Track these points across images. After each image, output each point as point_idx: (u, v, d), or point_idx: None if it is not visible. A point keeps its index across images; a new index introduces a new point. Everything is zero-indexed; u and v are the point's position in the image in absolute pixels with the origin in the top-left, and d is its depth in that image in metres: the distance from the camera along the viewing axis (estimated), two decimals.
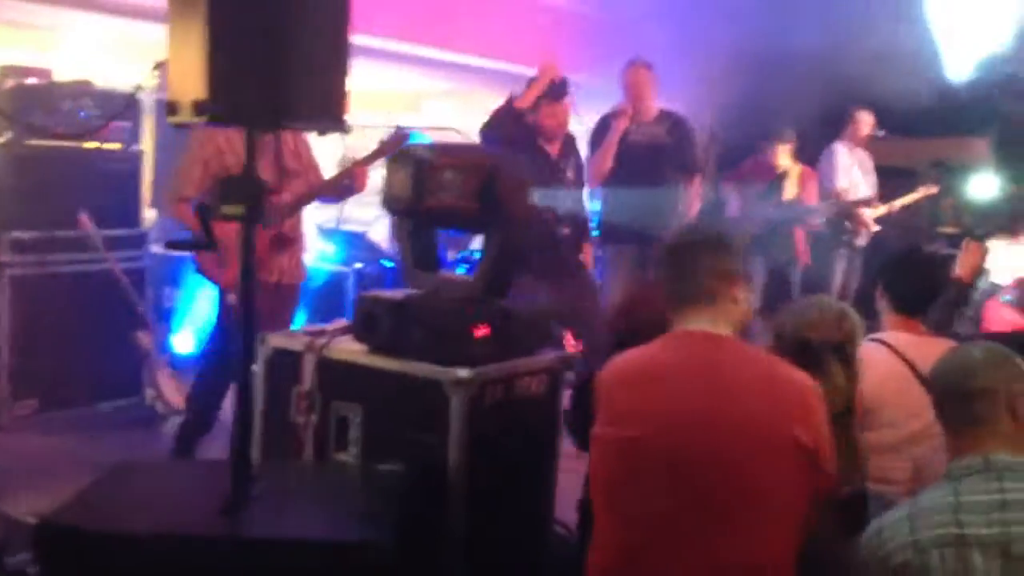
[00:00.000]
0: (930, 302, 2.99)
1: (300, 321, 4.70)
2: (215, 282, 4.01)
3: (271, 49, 2.17)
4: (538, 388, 2.92)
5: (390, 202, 2.88)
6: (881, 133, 7.16)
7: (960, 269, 3.24)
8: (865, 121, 6.99)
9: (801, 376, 2.13)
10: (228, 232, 2.63)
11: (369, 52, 7.19)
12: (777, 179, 6.64)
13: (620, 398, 2.19)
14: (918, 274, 2.99)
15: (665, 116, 5.78)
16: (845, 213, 6.85)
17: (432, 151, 2.89)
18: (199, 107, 2.13)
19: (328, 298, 6.05)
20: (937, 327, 3.07)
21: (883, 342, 2.89)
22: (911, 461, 2.62)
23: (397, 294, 2.91)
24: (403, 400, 2.77)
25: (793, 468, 2.02)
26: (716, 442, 2.03)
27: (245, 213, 2.31)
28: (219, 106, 2.12)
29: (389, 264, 6.35)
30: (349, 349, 2.90)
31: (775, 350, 2.40)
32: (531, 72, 5.12)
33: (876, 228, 6.99)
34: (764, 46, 6.70)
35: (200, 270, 4.03)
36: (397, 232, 3.04)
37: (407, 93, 10.06)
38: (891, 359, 2.85)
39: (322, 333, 3.01)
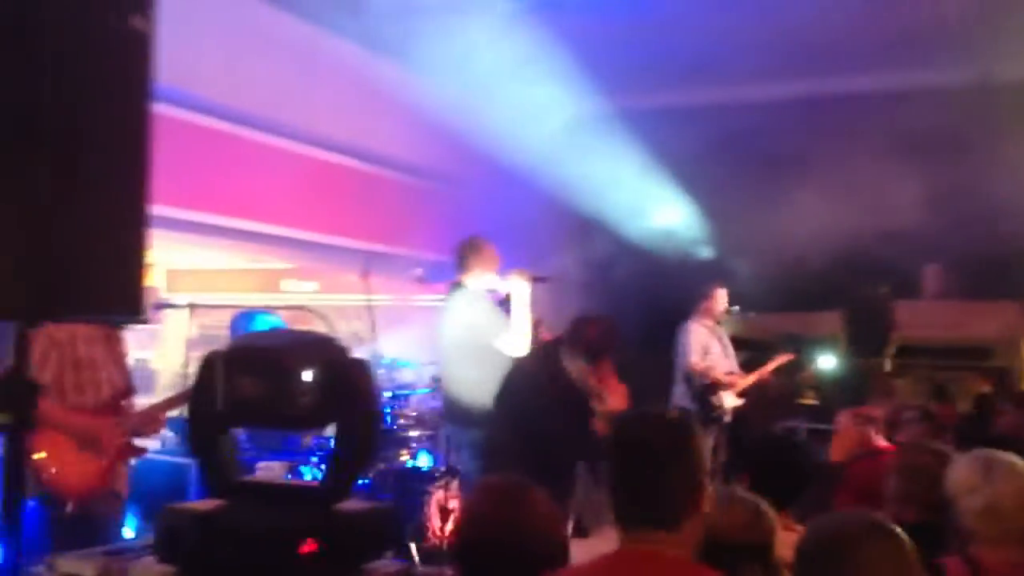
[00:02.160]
0: (799, 492, 2.77)
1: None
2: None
3: (32, 236, 1.83)
4: None
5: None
6: (735, 309, 7.24)
7: (835, 453, 3.06)
8: (720, 297, 7.06)
9: None
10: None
11: (211, 229, 6.92)
12: None
13: None
14: (785, 466, 2.78)
15: None
16: (711, 390, 6.79)
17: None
18: None
19: (169, 495, 5.47)
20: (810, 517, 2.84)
21: None
22: None
23: (206, 504, 2.48)
24: None
25: None
26: None
27: (13, 421, 1.91)
28: None
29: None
30: (150, 574, 2.43)
31: None
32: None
33: (740, 402, 6.94)
34: None
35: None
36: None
37: (264, 271, 9.75)
38: None
39: (123, 554, 2.53)
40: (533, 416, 4.89)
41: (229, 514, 2.42)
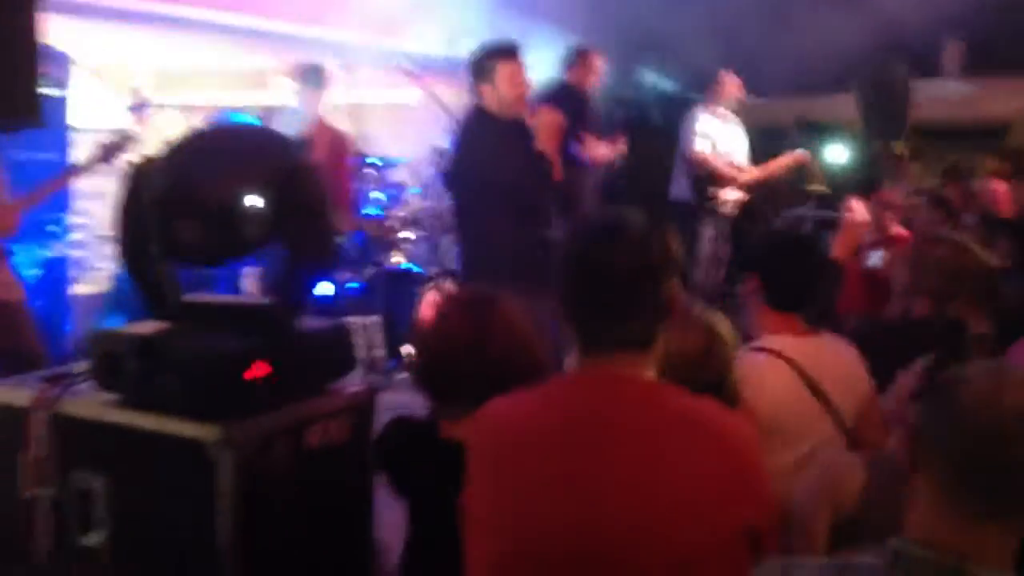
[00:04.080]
0: (812, 295, 2.51)
1: None
2: None
3: None
4: (340, 432, 2.33)
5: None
6: (747, 96, 6.81)
7: (838, 249, 2.80)
8: (730, 83, 6.61)
9: (741, 427, 1.60)
10: None
11: (192, 24, 6.48)
12: None
13: (492, 477, 1.61)
14: (798, 266, 2.50)
15: None
16: (710, 181, 6.48)
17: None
18: None
19: None
20: (818, 319, 2.61)
21: (768, 350, 2.42)
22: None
23: (145, 327, 2.26)
24: (160, 467, 2.14)
25: (743, 561, 1.49)
26: (637, 556, 1.46)
27: None
28: None
29: None
30: (91, 403, 2.24)
31: None
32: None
33: (741, 195, 6.65)
34: None
35: None
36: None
37: (253, 72, 9.27)
38: (781, 369, 2.39)
39: (60, 380, 2.34)
40: None
41: (172, 337, 2.20)
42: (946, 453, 1.30)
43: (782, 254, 2.50)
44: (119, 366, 2.18)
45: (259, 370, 2.14)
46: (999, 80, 9.88)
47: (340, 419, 2.32)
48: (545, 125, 3.82)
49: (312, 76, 5.36)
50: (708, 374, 1.90)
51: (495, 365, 1.97)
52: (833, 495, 1.98)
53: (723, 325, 1.98)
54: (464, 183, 3.96)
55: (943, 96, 9.48)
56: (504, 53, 3.88)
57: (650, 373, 1.59)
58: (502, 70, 3.85)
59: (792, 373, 2.39)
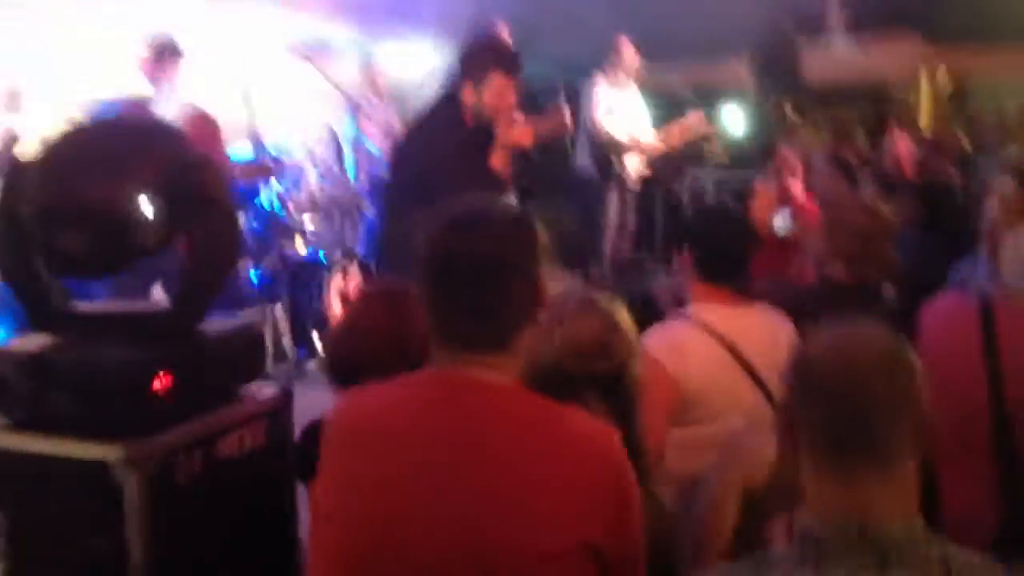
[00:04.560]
0: (743, 266, 2.49)
1: None
2: None
3: None
4: (256, 439, 2.20)
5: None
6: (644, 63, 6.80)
7: (757, 212, 2.79)
8: (627, 50, 6.58)
9: (599, 445, 1.48)
10: None
11: None
12: None
13: (340, 469, 1.53)
14: (729, 238, 2.48)
15: None
16: (611, 151, 6.46)
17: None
18: None
19: None
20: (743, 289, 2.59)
21: (696, 321, 2.39)
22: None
23: (30, 342, 2.08)
24: (62, 493, 1.99)
25: None
26: (466, 559, 1.39)
27: None
28: None
29: None
30: None
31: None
32: None
33: (643, 165, 6.66)
34: None
35: None
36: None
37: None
38: (708, 340, 2.36)
39: None
40: None
41: (62, 352, 2.04)
42: (811, 420, 1.30)
43: (713, 227, 2.49)
44: (6, 387, 2.01)
45: (162, 381, 2.00)
46: (877, 39, 10.15)
47: (255, 426, 2.19)
48: (508, 142, 3.55)
49: (168, 50, 4.77)
50: (607, 364, 1.82)
51: (415, 360, 1.87)
52: (742, 469, 1.95)
53: (622, 313, 1.90)
54: (405, 165, 3.71)
55: (829, 56, 9.70)
56: (504, 64, 3.53)
57: (505, 376, 1.48)
58: (495, 80, 3.48)
59: (717, 345, 2.36)
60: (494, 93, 3.48)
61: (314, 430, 2.09)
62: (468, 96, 3.51)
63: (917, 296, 2.89)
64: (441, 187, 3.26)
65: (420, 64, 7.13)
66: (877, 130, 10.24)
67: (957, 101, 11.30)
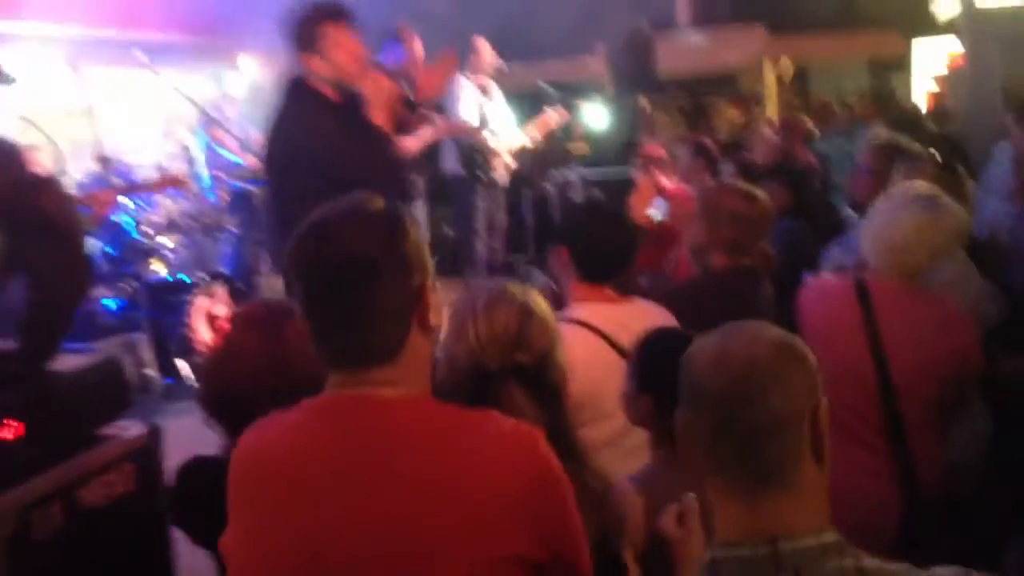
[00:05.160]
0: (622, 264, 2.42)
1: None
2: None
3: None
4: (123, 483, 2.03)
5: None
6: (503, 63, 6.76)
7: (634, 210, 2.75)
8: (484, 50, 6.53)
9: (518, 455, 1.36)
10: None
11: None
12: None
13: (248, 512, 1.41)
14: (607, 236, 2.40)
15: None
16: (480, 152, 6.40)
17: None
18: None
19: None
20: (624, 285, 2.55)
21: (578, 321, 2.32)
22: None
23: None
24: None
25: None
26: None
27: None
28: None
29: None
30: None
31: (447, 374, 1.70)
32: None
33: (512, 163, 6.62)
34: None
35: None
36: None
37: None
38: (593, 340, 2.30)
39: None
40: None
41: None
42: (699, 435, 1.21)
43: (591, 225, 2.41)
44: None
45: (9, 431, 1.81)
46: (725, 30, 10.48)
47: (120, 469, 2.02)
48: (375, 93, 3.25)
49: None
50: (527, 354, 1.74)
51: (301, 386, 1.73)
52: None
53: (537, 300, 1.82)
54: (279, 167, 3.42)
55: (681, 49, 9.94)
56: (329, 14, 3.20)
57: (403, 389, 1.37)
58: (330, 34, 3.17)
59: (602, 345, 2.31)
60: (335, 47, 3.19)
61: (193, 469, 1.91)
62: (317, 67, 3.22)
63: (788, 283, 2.92)
64: (335, 171, 3.04)
65: (273, 73, 6.91)
66: (733, 119, 10.57)
67: (799, 86, 11.80)
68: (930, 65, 9.59)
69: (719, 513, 1.22)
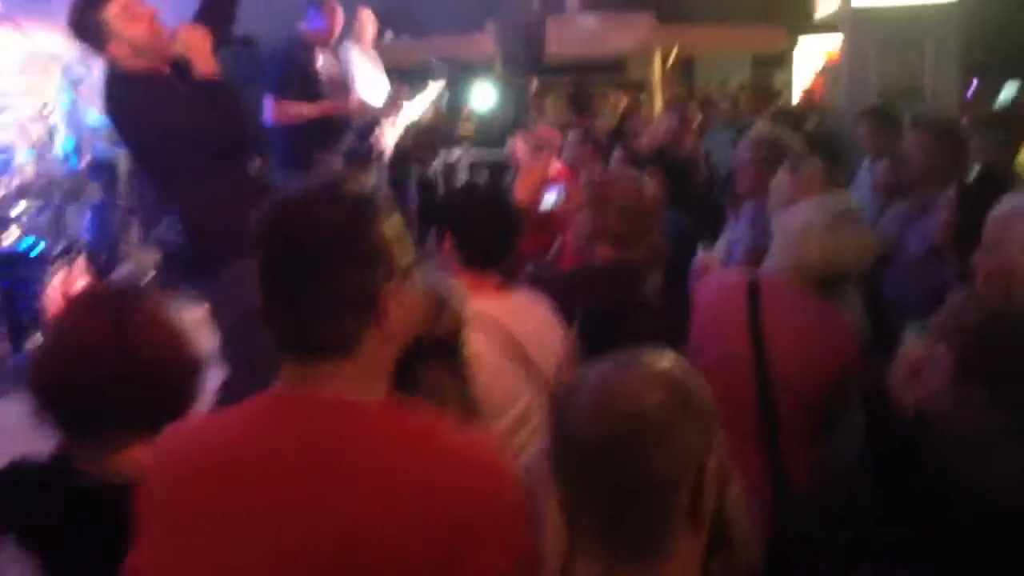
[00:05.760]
0: (506, 251, 2.32)
1: None
2: None
3: None
4: None
5: None
6: (389, 35, 6.59)
7: (520, 194, 2.66)
8: (367, 21, 6.34)
9: (481, 457, 1.26)
10: None
11: None
12: None
13: (169, 525, 1.29)
14: (491, 222, 2.29)
15: None
16: (370, 126, 6.21)
17: None
18: None
19: None
20: (509, 272, 2.46)
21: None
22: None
23: None
24: None
25: None
26: None
27: None
28: None
29: None
30: None
31: None
32: None
33: (398, 138, 6.47)
34: None
35: None
36: None
37: None
38: (478, 334, 2.19)
39: None
40: None
41: None
42: (564, 485, 1.09)
43: (474, 211, 2.30)
44: None
45: None
46: (615, 16, 10.52)
47: None
48: (191, 46, 3.04)
49: None
50: (445, 328, 1.68)
51: (150, 380, 1.57)
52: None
53: (452, 286, 1.76)
54: (145, 153, 3.25)
55: (571, 32, 9.92)
56: None
57: (360, 387, 1.28)
58: (111, 9, 2.95)
59: (490, 337, 2.22)
60: (125, 22, 2.97)
61: (12, 475, 1.63)
62: (121, 53, 3.00)
63: (675, 277, 2.89)
64: (193, 143, 2.92)
65: None
66: (620, 105, 10.62)
67: (684, 77, 11.97)
68: (811, 62, 9.84)
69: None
